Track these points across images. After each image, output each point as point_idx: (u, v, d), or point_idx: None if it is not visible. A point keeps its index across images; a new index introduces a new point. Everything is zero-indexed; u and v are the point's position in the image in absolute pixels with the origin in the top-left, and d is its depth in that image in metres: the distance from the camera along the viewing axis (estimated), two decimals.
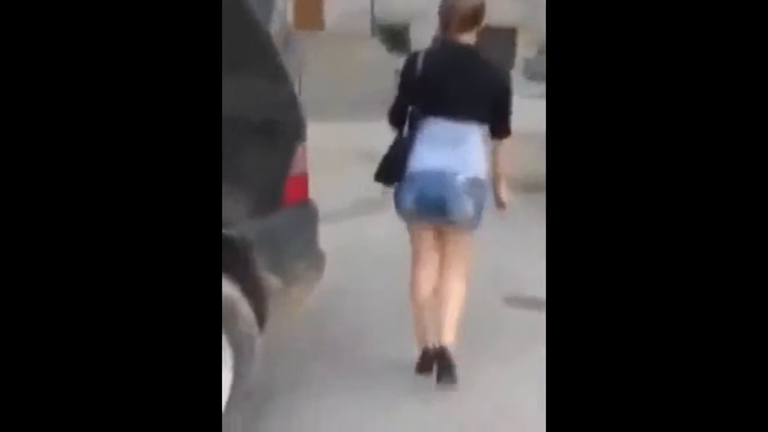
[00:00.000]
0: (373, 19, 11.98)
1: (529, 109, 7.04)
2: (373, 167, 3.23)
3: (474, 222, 3.21)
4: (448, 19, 3.18)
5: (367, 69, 8.13)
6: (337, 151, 8.03)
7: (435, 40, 3.32)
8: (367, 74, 8.36)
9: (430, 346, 3.28)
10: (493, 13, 3.36)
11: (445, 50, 3.22)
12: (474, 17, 3.18)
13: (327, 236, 3.16)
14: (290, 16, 13.49)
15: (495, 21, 9.21)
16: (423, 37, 4.44)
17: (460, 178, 3.09)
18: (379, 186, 3.28)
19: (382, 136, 3.52)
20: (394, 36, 12.62)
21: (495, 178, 3.33)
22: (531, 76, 10.73)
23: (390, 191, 3.25)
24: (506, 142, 3.29)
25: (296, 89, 3.05)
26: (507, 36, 11.90)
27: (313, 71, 10.18)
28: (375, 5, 12.09)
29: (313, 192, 3.02)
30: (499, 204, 3.38)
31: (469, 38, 3.19)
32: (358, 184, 5.08)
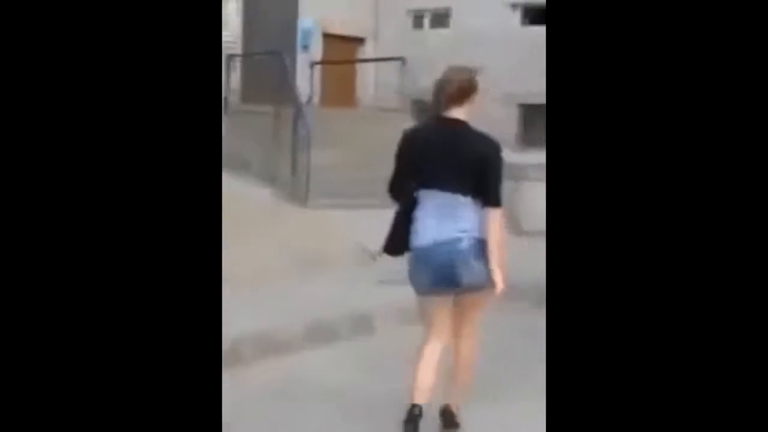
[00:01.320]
0: (404, 94, 11.45)
1: None
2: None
3: (487, 282, 3.28)
4: (438, 96, 3.33)
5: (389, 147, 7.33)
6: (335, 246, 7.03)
7: (428, 117, 3.47)
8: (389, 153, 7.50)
9: (417, 402, 3.37)
10: (540, 89, 3.33)
11: (436, 126, 3.38)
12: (461, 94, 3.32)
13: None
14: (318, 93, 12.89)
15: (543, 99, 8.11)
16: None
17: (464, 243, 3.21)
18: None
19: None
20: (425, 112, 11.82)
21: (492, 247, 3.32)
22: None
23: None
24: (495, 213, 3.32)
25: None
26: None
27: (327, 148, 9.57)
28: (405, 79, 11.50)
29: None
30: (492, 285, 3.32)
31: (459, 113, 3.33)
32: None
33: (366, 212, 8.22)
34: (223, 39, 11.54)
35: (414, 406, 3.38)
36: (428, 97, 3.92)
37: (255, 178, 10.65)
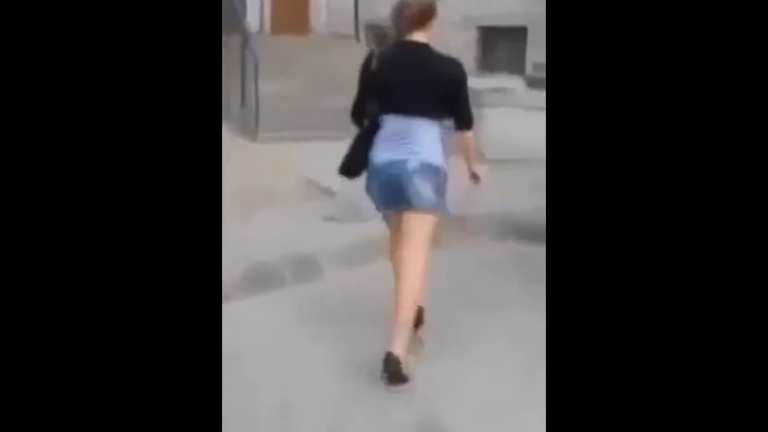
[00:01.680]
0: (357, 21, 10.94)
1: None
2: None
3: (437, 205, 3.39)
4: (398, 20, 3.38)
5: (343, 76, 6.94)
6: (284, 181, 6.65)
7: (391, 43, 3.47)
8: (342, 83, 7.13)
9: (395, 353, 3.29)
10: (500, 11, 2.82)
11: (397, 49, 3.42)
12: (421, 17, 3.36)
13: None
14: (268, 20, 12.25)
15: (503, 21, 7.49)
16: None
17: (412, 162, 3.28)
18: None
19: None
20: (382, 38, 11.45)
21: (467, 161, 3.61)
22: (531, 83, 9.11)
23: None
24: (467, 135, 3.50)
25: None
26: (516, 37, 10.59)
27: (278, 77, 9.10)
28: (360, 6, 11.02)
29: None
30: (474, 177, 3.65)
31: (420, 37, 3.38)
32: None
33: (317, 145, 7.89)
34: None
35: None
36: (385, 22, 4.10)
37: None
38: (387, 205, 3.52)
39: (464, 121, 3.49)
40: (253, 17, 11.91)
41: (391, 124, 3.37)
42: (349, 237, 5.09)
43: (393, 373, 3.24)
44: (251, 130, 8.75)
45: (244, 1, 11.53)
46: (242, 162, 7.36)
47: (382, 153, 3.40)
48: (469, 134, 3.54)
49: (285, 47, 10.41)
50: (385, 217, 3.65)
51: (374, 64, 3.41)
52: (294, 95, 9.34)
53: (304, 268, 4.66)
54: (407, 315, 3.34)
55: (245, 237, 4.96)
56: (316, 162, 7.04)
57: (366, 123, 3.48)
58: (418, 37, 3.39)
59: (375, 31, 11.41)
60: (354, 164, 3.54)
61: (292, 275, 4.57)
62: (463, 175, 3.73)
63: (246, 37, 9.02)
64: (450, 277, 4.47)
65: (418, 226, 3.42)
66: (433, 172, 3.36)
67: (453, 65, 3.43)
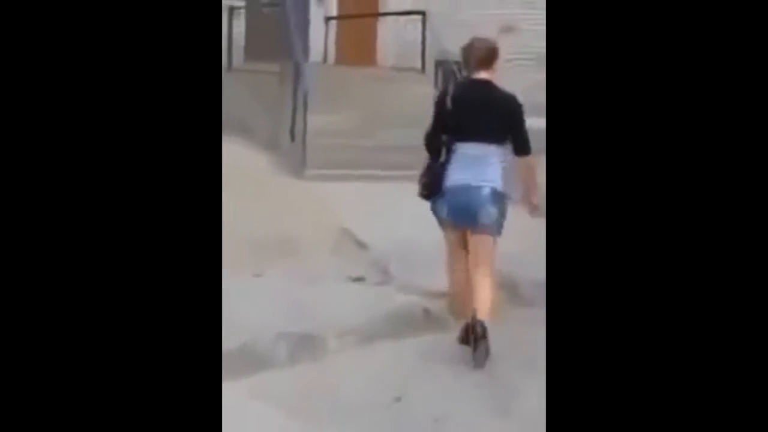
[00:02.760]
0: (424, 53, 10.27)
1: None
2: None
3: (497, 229, 3.90)
4: (467, 60, 3.99)
5: (403, 110, 6.31)
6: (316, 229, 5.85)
7: (460, 80, 4.40)
8: (402, 117, 6.52)
9: (469, 321, 3.75)
10: None
11: (467, 86, 4.06)
12: (488, 57, 3.95)
13: None
14: (333, 50, 11.65)
15: None
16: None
17: (485, 190, 3.77)
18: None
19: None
20: (451, 74, 10.78)
21: (525, 188, 4.02)
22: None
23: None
24: (527, 160, 3.92)
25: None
26: None
27: (332, 110, 8.48)
28: (429, 39, 10.27)
29: None
30: (532, 207, 3.99)
31: (486, 75, 3.94)
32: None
33: (366, 186, 7.21)
34: None
35: (466, 323, 3.79)
36: (454, 58, 5.05)
37: (257, 146, 9.59)
38: (457, 224, 3.93)
39: (522, 147, 3.94)
40: (316, 46, 11.38)
41: (464, 150, 3.82)
42: (374, 305, 4.27)
43: (481, 340, 3.66)
44: (298, 166, 8.08)
45: (305, 29, 10.99)
46: (278, 202, 6.67)
47: (456, 176, 3.81)
48: (530, 159, 3.92)
49: (343, 78, 9.79)
50: (444, 231, 4.05)
51: (449, 101, 3.91)
52: (348, 130, 8.60)
53: (307, 345, 3.79)
54: (488, 315, 3.73)
55: (248, 297, 4.20)
56: (359, 208, 6.41)
57: (437, 152, 3.91)
58: (484, 75, 3.94)
59: (444, 66, 10.98)
60: (433, 187, 3.92)
61: (290, 354, 3.71)
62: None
63: (297, 67, 8.37)
64: None
65: (486, 246, 3.88)
66: (500, 198, 3.83)
67: (512, 99, 3.95)
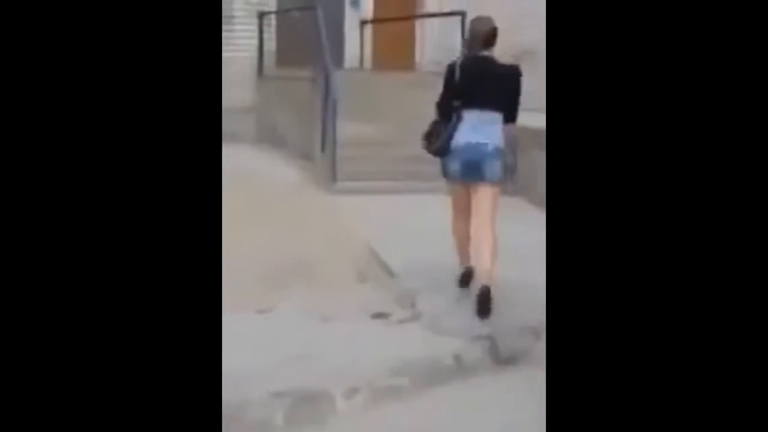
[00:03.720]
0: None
1: None
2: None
3: (501, 178, 4.29)
4: (473, 40, 4.37)
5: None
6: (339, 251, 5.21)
7: (466, 55, 4.42)
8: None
9: (470, 265, 4.40)
10: None
11: (473, 61, 4.35)
12: (490, 38, 4.34)
13: None
14: (369, 55, 11.06)
15: None
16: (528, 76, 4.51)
17: (490, 146, 4.21)
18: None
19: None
20: None
21: (508, 149, 4.35)
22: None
23: None
24: (512, 126, 4.35)
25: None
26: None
27: (366, 118, 8.05)
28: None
29: None
30: (509, 170, 4.36)
31: (489, 52, 4.36)
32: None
33: (399, 200, 6.72)
34: None
35: (466, 268, 4.44)
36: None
37: (289, 155, 9.06)
38: (465, 178, 4.28)
39: (512, 114, 4.34)
40: (351, 51, 10.81)
41: (470, 115, 4.22)
42: (395, 351, 3.60)
43: (485, 303, 4.05)
44: (327, 178, 7.50)
45: (339, 34, 10.42)
46: (300, 219, 6.09)
47: (464, 137, 4.21)
48: (512, 126, 4.37)
49: (379, 84, 9.17)
50: (451, 188, 4.43)
51: (456, 73, 4.28)
52: (381, 139, 8.06)
53: (309, 407, 3.14)
54: (492, 273, 4.13)
55: (246, 341, 3.59)
56: (389, 226, 5.80)
57: (447, 116, 4.31)
58: (486, 53, 4.33)
59: None
60: (443, 146, 4.28)
61: (287, 418, 3.06)
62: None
63: (327, 73, 7.79)
64: None
65: (488, 197, 4.27)
66: (501, 153, 4.24)
67: (512, 69, 4.37)
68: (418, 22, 11.33)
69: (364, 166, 7.50)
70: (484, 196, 4.25)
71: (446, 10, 10.14)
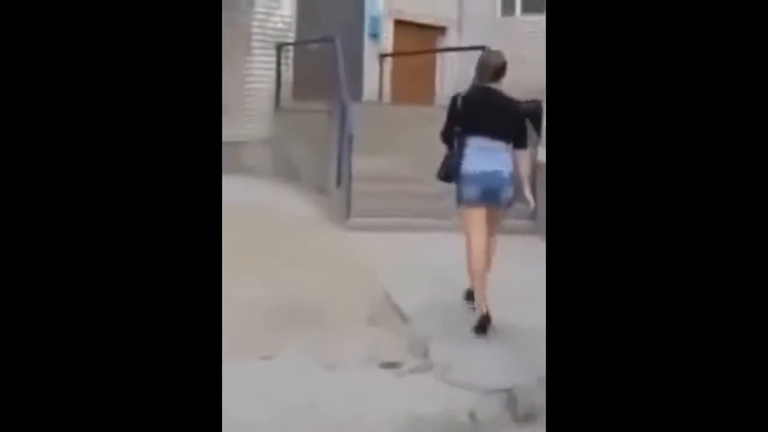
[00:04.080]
0: None
1: None
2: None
3: (511, 203, 4.64)
4: (482, 71, 4.60)
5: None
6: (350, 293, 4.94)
7: (472, 86, 4.71)
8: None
9: (485, 311, 4.34)
10: None
11: (481, 92, 4.62)
12: (500, 71, 4.57)
13: None
14: (388, 88, 10.92)
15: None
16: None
17: (505, 173, 4.46)
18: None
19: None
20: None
21: (523, 178, 4.64)
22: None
23: None
24: (523, 153, 4.61)
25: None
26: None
27: (382, 152, 7.91)
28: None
29: None
30: (524, 200, 4.64)
31: (497, 85, 4.58)
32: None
33: (415, 238, 6.52)
34: (275, 25, 9.76)
35: (482, 314, 4.33)
36: (516, 95, 4.76)
37: (303, 189, 8.87)
38: (481, 202, 4.50)
39: (519, 142, 4.57)
40: (370, 84, 10.66)
41: (476, 143, 4.43)
42: (403, 406, 3.31)
43: (484, 325, 4.26)
44: (341, 214, 7.29)
45: (357, 67, 10.28)
46: (313, 256, 5.87)
47: (476, 164, 4.43)
48: (525, 153, 4.61)
49: (397, 118, 8.99)
50: (464, 213, 4.60)
51: (459, 103, 4.55)
52: (398, 175, 7.86)
53: None
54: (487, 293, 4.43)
55: (246, 391, 3.34)
56: (404, 266, 5.57)
57: (451, 143, 4.60)
58: (495, 85, 4.55)
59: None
60: (452, 172, 4.55)
61: None
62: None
63: (343, 106, 7.63)
64: None
65: (499, 217, 4.65)
66: (513, 180, 4.48)
67: (517, 103, 4.63)
68: (438, 56, 11.26)
69: (380, 202, 7.28)
70: (495, 216, 4.64)
71: (466, 44, 10.03)
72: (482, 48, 9.66)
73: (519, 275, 5.10)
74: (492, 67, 4.50)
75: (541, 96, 7.79)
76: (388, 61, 10.87)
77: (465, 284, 4.64)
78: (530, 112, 5.12)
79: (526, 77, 11.42)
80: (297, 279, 5.14)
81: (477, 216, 4.53)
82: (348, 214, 7.18)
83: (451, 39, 11.41)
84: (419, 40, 11.17)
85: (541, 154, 7.53)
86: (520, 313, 4.44)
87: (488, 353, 3.89)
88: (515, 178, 4.50)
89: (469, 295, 4.60)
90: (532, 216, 6.46)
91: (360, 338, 4.18)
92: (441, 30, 11.51)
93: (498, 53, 4.64)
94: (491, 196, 4.45)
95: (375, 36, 10.75)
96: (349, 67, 8.56)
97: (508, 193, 4.47)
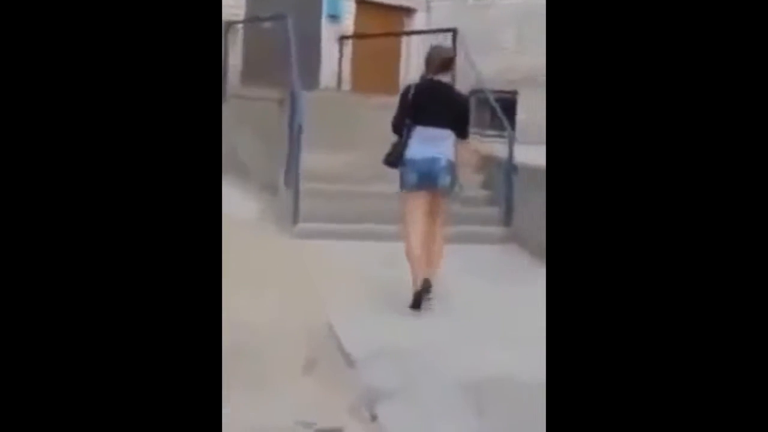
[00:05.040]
0: (454, 80, 8.26)
1: None
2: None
3: (450, 190, 4.86)
4: (430, 64, 4.86)
5: None
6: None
7: (422, 78, 4.97)
8: None
9: (419, 287, 4.63)
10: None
11: (429, 84, 4.89)
12: (446, 64, 4.93)
13: None
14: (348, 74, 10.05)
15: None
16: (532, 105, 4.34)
17: (443, 160, 4.74)
18: None
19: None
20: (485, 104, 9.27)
21: (470, 160, 5.56)
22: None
23: None
24: (464, 143, 4.99)
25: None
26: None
27: (334, 148, 7.05)
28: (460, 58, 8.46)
29: None
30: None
31: (445, 77, 4.96)
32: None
33: (372, 248, 5.66)
34: (223, 1, 8.81)
35: (425, 280, 4.67)
36: (490, 84, 6.93)
37: (250, 188, 7.96)
38: (420, 187, 4.76)
39: (464, 133, 4.95)
40: (328, 69, 9.77)
41: (422, 132, 4.78)
42: None
43: (418, 301, 4.61)
44: (288, 218, 6.41)
45: (317, 52, 9.40)
46: (249, 275, 4.97)
47: (418, 151, 4.76)
48: (466, 142, 5.04)
49: (357, 108, 8.16)
50: (404, 198, 4.88)
51: (411, 93, 4.84)
52: (354, 174, 7.00)
53: None
54: (438, 272, 4.80)
55: None
56: (353, 284, 4.80)
57: (401, 132, 4.86)
58: (441, 77, 4.90)
59: (479, 96, 9.09)
60: (398, 158, 4.79)
61: None
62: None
63: (294, 93, 6.76)
64: None
65: (442, 204, 4.90)
66: (452, 167, 4.80)
67: (462, 96, 5.18)
68: (404, 40, 10.47)
69: (333, 204, 6.45)
70: (435, 202, 4.84)
71: (435, 27, 9.19)
72: (452, 30, 9.09)
73: (507, 299, 4.32)
74: (438, 61, 4.83)
75: (525, 87, 8.49)
76: (349, 44, 10.04)
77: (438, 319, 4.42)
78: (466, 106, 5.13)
79: (506, 66, 10.74)
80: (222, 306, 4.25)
81: (414, 201, 4.81)
82: (295, 219, 6.30)
83: (418, 21, 10.59)
84: (384, 21, 10.39)
85: (521, 150, 7.09)
86: (512, 360, 3.61)
87: (460, 420, 3.03)
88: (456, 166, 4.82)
89: (416, 303, 4.59)
90: (505, 220, 6.94)
91: (290, 393, 3.29)
92: (408, 12, 10.75)
93: (445, 49, 5.40)
94: (428, 181, 4.73)
95: (334, 16, 9.92)
96: (304, 51, 7.77)
97: (445, 179, 4.74)
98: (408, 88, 4.90)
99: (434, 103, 4.76)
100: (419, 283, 4.56)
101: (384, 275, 5.01)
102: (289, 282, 4.84)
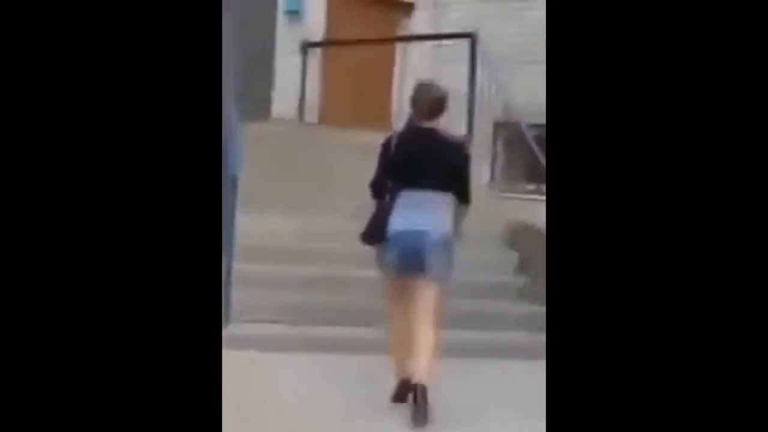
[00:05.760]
0: (472, 113, 9.68)
1: None
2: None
3: (447, 275, 5.18)
4: (415, 108, 5.28)
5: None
6: None
7: (407, 124, 5.42)
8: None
9: (407, 378, 5.11)
10: None
11: (416, 133, 5.27)
12: (436, 107, 5.26)
13: None
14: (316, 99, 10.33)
15: None
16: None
17: (434, 234, 5.00)
18: None
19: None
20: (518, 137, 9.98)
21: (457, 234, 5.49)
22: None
23: None
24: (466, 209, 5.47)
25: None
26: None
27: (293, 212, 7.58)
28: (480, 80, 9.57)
29: None
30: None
31: (433, 124, 5.29)
32: None
33: (335, 367, 5.80)
34: None
35: (402, 379, 5.16)
36: (521, 116, 8.10)
37: None
38: (403, 273, 5.10)
39: (464, 197, 5.30)
40: (289, 91, 9.93)
41: (410, 196, 5.09)
42: None
43: (421, 406, 4.90)
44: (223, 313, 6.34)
45: (269, 64, 9.47)
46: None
47: (400, 221, 5.07)
48: (468, 208, 5.38)
49: (323, 149, 8.59)
50: (386, 283, 5.33)
51: (393, 146, 5.24)
52: (310, 247, 7.39)
53: None
54: (431, 371, 5.00)
55: None
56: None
57: (383, 197, 5.24)
58: (431, 124, 5.27)
59: (510, 130, 10.02)
60: (377, 232, 5.13)
61: None
62: None
63: (227, 128, 6.69)
64: None
65: (431, 294, 5.10)
66: (449, 244, 5.15)
67: (457, 148, 5.51)
68: (398, 48, 10.76)
69: (280, 295, 6.61)
70: (426, 296, 5.06)
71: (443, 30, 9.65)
72: (470, 36, 9.32)
73: None
74: (426, 103, 5.14)
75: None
76: (317, 53, 10.36)
77: None
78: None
79: (542, 86, 10.82)
80: None
81: (394, 291, 5.18)
82: (227, 317, 6.16)
83: (421, 21, 10.91)
84: (369, 21, 10.77)
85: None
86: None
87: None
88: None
89: (399, 393, 5.06)
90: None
91: None
92: (405, 7, 11.12)
93: (434, 86, 5.39)
94: (413, 263, 4.99)
95: (295, 12, 10.21)
96: (250, 63, 8.07)
97: (437, 260, 4.98)
98: (390, 138, 5.25)
99: (423, 157, 5.12)
100: (402, 374, 5.01)
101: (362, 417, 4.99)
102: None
